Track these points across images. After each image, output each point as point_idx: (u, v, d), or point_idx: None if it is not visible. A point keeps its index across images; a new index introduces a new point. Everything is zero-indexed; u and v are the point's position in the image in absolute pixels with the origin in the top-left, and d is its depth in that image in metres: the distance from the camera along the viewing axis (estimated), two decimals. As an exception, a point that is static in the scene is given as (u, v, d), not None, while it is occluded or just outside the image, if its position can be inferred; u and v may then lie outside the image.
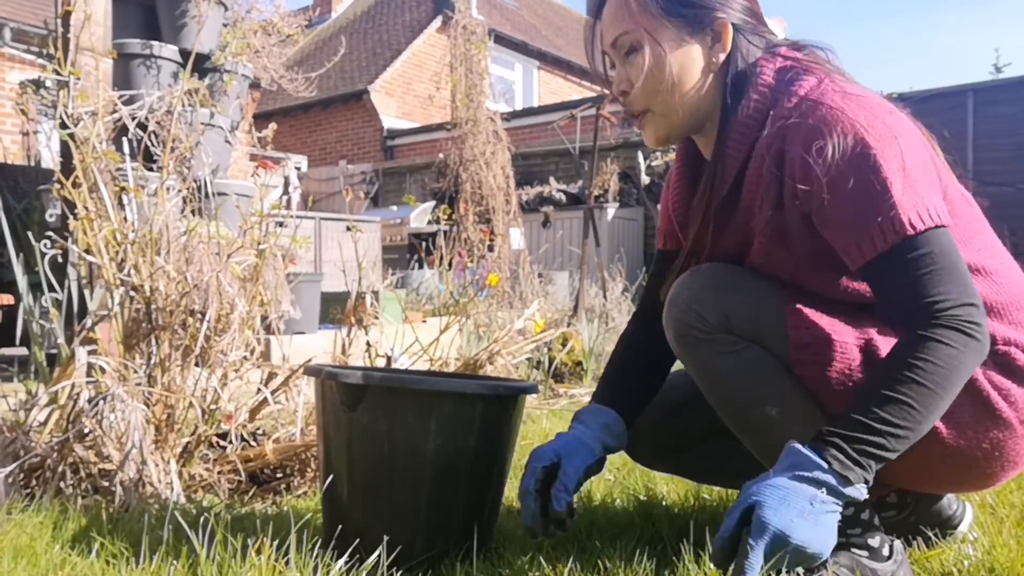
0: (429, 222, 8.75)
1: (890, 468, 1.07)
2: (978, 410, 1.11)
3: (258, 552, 1.23)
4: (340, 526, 1.34)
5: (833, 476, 1.01)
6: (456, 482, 1.32)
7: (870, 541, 1.18)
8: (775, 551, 1.00)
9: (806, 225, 1.15)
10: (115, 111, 2.13)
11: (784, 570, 1.00)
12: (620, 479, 1.91)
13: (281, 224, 2.30)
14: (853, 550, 1.18)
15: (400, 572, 1.27)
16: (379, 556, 1.25)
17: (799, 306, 1.16)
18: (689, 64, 1.23)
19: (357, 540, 1.29)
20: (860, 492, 1.03)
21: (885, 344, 1.12)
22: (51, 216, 3.23)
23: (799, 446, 1.05)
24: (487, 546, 1.37)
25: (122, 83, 3.31)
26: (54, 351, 2.04)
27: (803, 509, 1.00)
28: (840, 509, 1.03)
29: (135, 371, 1.88)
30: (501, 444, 1.36)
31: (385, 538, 1.26)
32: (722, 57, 1.24)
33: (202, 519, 1.31)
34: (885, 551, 1.19)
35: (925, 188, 1.09)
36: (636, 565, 1.28)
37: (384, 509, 1.31)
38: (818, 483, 1.01)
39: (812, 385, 1.17)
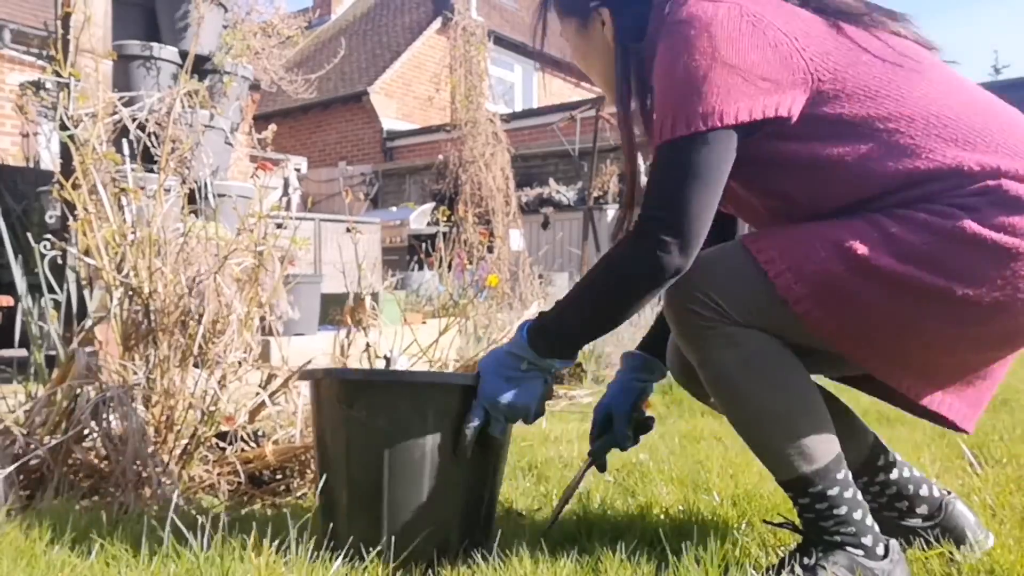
0: (429, 223, 8.76)
1: (927, 341, 1.13)
2: (986, 256, 1.08)
3: (257, 553, 1.23)
4: (338, 526, 1.35)
5: (533, 352, 1.24)
6: (455, 476, 1.33)
7: (864, 540, 1.20)
8: (492, 409, 1.26)
9: None
10: (115, 113, 2.13)
11: (503, 419, 1.27)
12: (620, 480, 1.91)
13: (280, 225, 2.30)
14: (849, 549, 1.19)
15: (400, 572, 1.28)
16: (379, 554, 1.26)
17: (760, 245, 1.19)
18: (592, 52, 1.40)
19: (355, 539, 1.30)
20: (555, 364, 1.26)
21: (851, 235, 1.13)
22: (51, 217, 3.24)
23: (522, 327, 1.26)
24: (488, 542, 1.38)
25: (122, 85, 3.31)
26: (53, 352, 2.04)
27: (510, 376, 1.26)
28: (545, 375, 1.27)
29: (134, 372, 1.88)
30: (497, 438, 1.36)
31: (385, 536, 1.28)
32: (610, 35, 1.35)
33: (201, 521, 1.31)
34: (880, 550, 1.20)
35: (724, 90, 1.11)
36: (635, 566, 1.28)
37: (383, 506, 1.31)
38: (521, 357, 1.25)
39: (824, 324, 1.16)
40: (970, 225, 1.08)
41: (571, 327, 1.25)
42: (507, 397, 1.25)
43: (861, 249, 1.11)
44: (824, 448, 1.22)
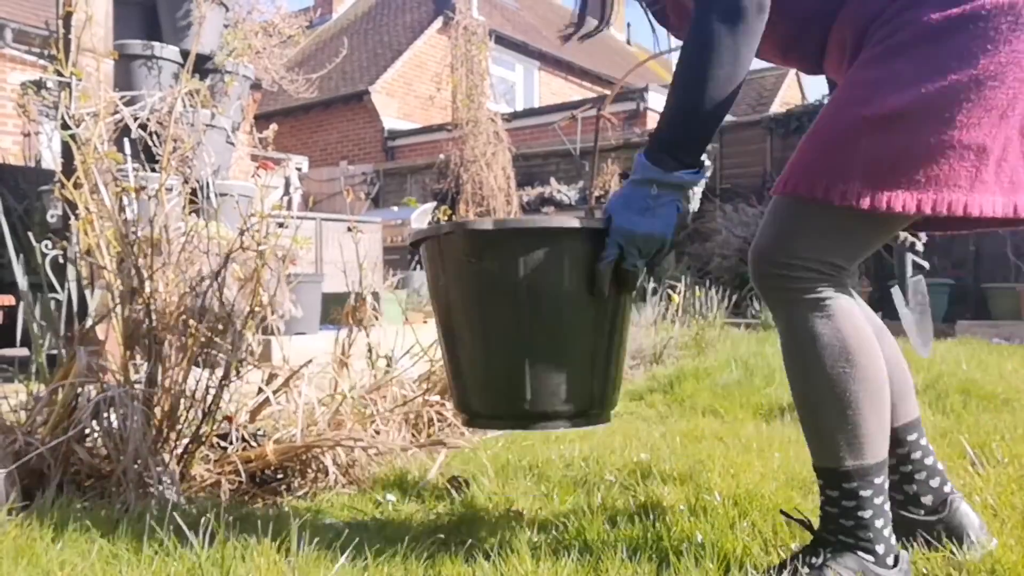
0: (430, 223, 8.76)
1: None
2: (962, 33, 1.11)
3: (259, 553, 1.23)
4: (471, 389, 1.33)
5: (659, 169, 1.18)
6: (590, 326, 1.28)
7: (877, 548, 1.19)
8: (628, 244, 1.20)
9: None
10: (116, 112, 2.13)
11: (636, 252, 1.20)
12: (620, 479, 1.91)
13: (282, 225, 2.30)
14: (860, 553, 1.18)
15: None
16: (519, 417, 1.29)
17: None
18: None
19: (496, 400, 1.30)
20: (685, 178, 1.19)
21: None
22: (52, 217, 3.24)
23: (639, 157, 1.22)
24: (606, 412, 1.35)
25: (123, 84, 3.31)
26: (55, 352, 2.04)
27: (642, 207, 1.19)
28: (678, 197, 1.20)
29: (135, 372, 1.88)
30: (629, 285, 1.29)
31: (528, 391, 1.26)
32: None
33: (203, 520, 1.31)
34: (890, 560, 1.20)
35: None
36: (635, 566, 1.28)
37: (525, 361, 1.26)
38: (648, 181, 1.19)
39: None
40: (930, 17, 1.12)
41: (685, 122, 1.19)
42: (643, 227, 1.19)
43: (868, 111, 1.13)
44: (875, 448, 1.20)
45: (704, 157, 1.23)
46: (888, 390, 1.24)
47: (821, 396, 1.21)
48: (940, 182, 1.12)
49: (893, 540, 1.21)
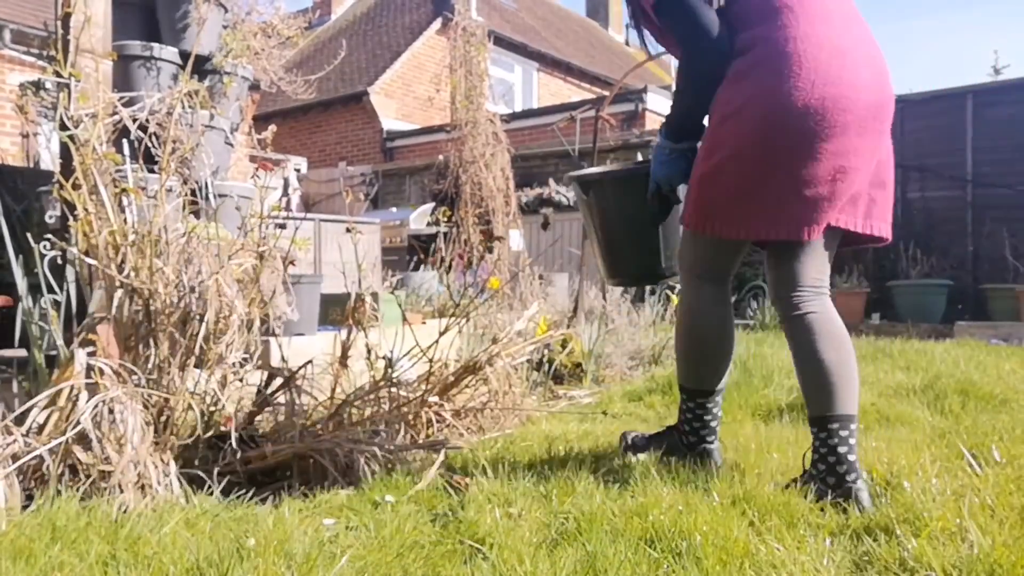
0: (429, 224, 8.75)
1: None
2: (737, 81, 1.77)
3: (257, 553, 1.23)
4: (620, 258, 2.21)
5: (669, 141, 1.92)
6: (654, 228, 2.10)
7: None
8: (656, 180, 1.96)
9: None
10: (115, 113, 2.13)
11: (658, 184, 1.96)
12: (620, 480, 1.91)
13: (281, 226, 2.30)
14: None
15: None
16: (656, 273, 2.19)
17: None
18: None
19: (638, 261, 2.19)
20: (685, 144, 1.90)
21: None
22: (51, 218, 3.23)
23: (661, 129, 1.95)
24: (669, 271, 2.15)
25: (122, 85, 3.31)
26: (53, 352, 2.04)
27: (661, 159, 1.94)
28: (685, 155, 1.90)
29: (134, 373, 1.88)
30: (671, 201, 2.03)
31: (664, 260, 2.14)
32: None
33: (201, 521, 1.31)
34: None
35: None
36: (635, 566, 1.28)
37: (627, 247, 2.19)
38: (663, 147, 1.93)
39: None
40: (717, 111, 1.81)
41: (684, 111, 1.89)
42: (660, 172, 1.94)
43: (697, 171, 1.85)
44: (697, 380, 2.02)
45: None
46: (722, 350, 1.97)
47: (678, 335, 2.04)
48: (741, 218, 1.78)
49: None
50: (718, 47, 1.75)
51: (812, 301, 1.83)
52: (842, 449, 1.71)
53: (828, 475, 1.72)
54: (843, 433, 1.72)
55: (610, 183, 2.18)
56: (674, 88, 1.91)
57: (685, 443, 2.05)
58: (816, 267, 1.84)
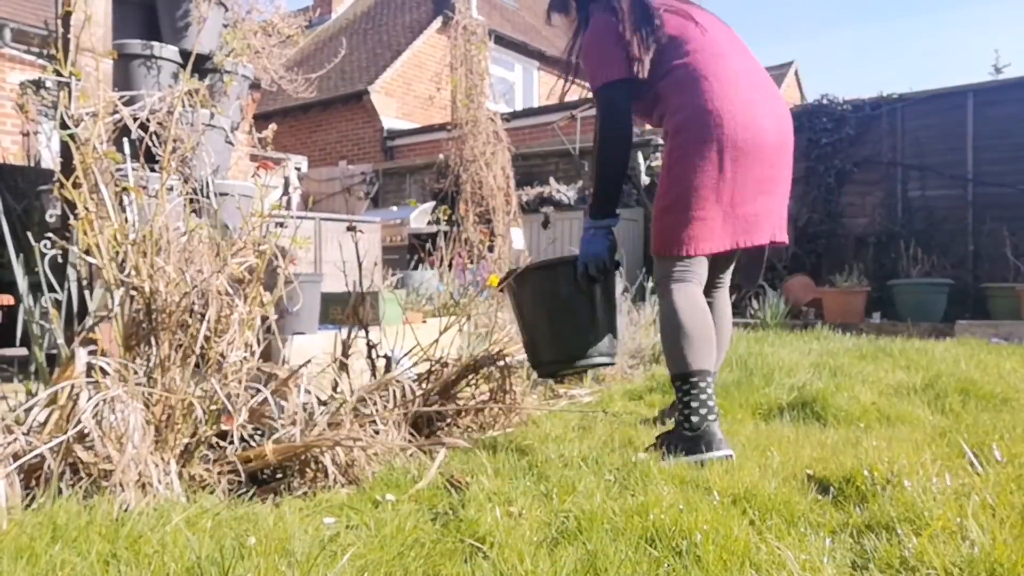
0: (429, 222, 8.75)
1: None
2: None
3: (258, 552, 1.23)
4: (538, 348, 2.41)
5: (590, 219, 2.31)
6: (589, 308, 2.31)
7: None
8: (584, 261, 2.27)
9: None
10: (115, 112, 2.13)
11: (585, 266, 2.26)
12: (620, 479, 1.91)
13: (281, 225, 2.30)
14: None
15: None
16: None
17: None
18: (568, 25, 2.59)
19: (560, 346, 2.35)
20: (605, 222, 2.30)
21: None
22: (51, 216, 3.23)
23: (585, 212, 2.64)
24: (613, 349, 2.38)
25: (122, 84, 3.31)
26: (54, 351, 2.04)
27: (587, 240, 2.30)
28: (602, 232, 2.29)
29: (135, 372, 1.88)
30: (598, 289, 2.30)
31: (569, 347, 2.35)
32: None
33: (202, 519, 1.31)
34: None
35: (605, 62, 2.27)
36: (635, 566, 1.28)
37: (547, 335, 2.37)
38: (587, 227, 2.32)
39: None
40: (663, 157, 2.28)
41: (599, 191, 2.30)
42: (589, 251, 2.27)
43: (657, 206, 2.30)
44: (696, 362, 2.20)
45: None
46: (712, 341, 2.23)
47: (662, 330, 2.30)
48: (693, 239, 2.21)
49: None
50: (625, 135, 2.26)
51: (722, 290, 2.55)
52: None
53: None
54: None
55: (528, 274, 2.38)
56: (592, 175, 2.31)
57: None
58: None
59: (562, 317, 2.31)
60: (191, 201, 2.17)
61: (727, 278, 2.56)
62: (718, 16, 2.40)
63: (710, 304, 2.45)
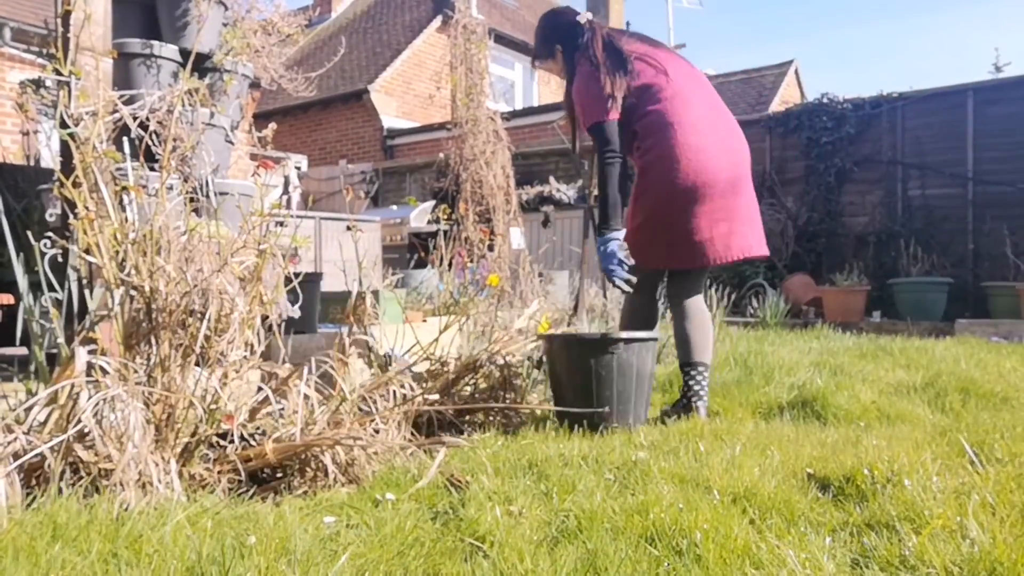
0: (429, 222, 8.75)
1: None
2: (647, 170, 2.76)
3: (258, 551, 1.23)
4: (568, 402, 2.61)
5: (598, 234, 2.76)
6: (614, 376, 2.57)
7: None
8: (603, 268, 2.71)
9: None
10: (115, 111, 2.13)
11: (606, 267, 2.70)
12: (620, 478, 1.91)
13: (281, 224, 2.29)
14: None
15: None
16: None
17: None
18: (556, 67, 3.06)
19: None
20: (612, 235, 2.69)
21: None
22: (51, 216, 3.23)
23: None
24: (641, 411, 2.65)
25: (122, 83, 3.31)
26: (54, 351, 2.04)
27: (600, 252, 2.71)
28: (611, 241, 2.68)
29: (135, 371, 1.88)
30: (629, 363, 2.58)
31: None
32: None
33: (202, 519, 1.31)
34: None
35: (592, 107, 2.73)
36: (635, 565, 1.28)
37: (594, 392, 2.57)
38: (599, 243, 2.73)
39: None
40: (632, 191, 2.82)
41: (608, 203, 2.69)
42: (607, 262, 2.69)
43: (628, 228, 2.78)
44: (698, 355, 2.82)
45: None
46: (711, 334, 2.83)
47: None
48: (662, 256, 2.79)
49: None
50: (622, 157, 2.70)
51: (689, 300, 2.85)
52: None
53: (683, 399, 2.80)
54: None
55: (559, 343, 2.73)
56: (597, 193, 2.76)
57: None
58: (697, 284, 2.89)
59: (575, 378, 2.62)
60: (191, 200, 2.16)
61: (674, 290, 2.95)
62: (688, 61, 2.88)
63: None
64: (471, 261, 6.27)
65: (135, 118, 2.13)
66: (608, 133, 2.68)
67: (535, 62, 3.06)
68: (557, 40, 2.92)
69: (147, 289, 1.92)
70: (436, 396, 2.53)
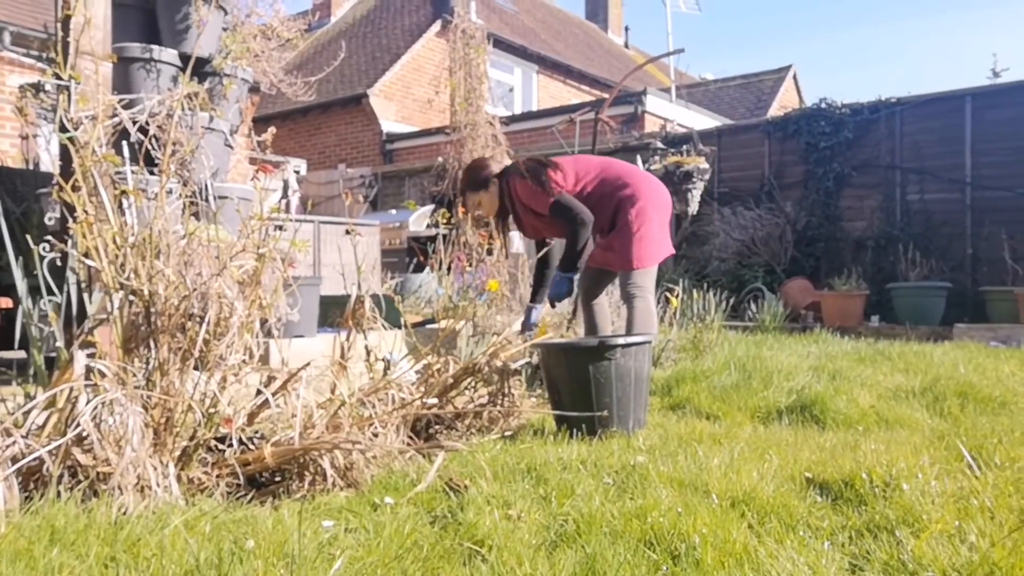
0: (428, 226, 8.75)
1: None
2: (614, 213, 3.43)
3: (256, 555, 1.23)
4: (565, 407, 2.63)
5: (560, 272, 3.41)
6: (611, 382, 2.59)
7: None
8: (551, 298, 3.48)
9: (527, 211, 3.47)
10: (115, 115, 2.13)
11: (554, 301, 3.49)
12: (618, 482, 1.91)
13: (280, 228, 2.30)
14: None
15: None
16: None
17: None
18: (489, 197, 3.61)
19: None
20: (569, 274, 3.36)
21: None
22: (50, 219, 3.23)
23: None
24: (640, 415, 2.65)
25: (122, 87, 3.31)
26: (53, 354, 2.04)
27: (556, 283, 3.41)
28: (567, 279, 3.38)
29: (134, 375, 1.88)
30: (627, 368, 2.60)
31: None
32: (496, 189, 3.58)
33: (201, 523, 1.31)
34: None
35: (541, 195, 3.35)
36: (635, 567, 1.28)
37: (593, 398, 2.58)
38: (560, 278, 3.41)
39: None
40: (609, 229, 3.49)
41: (575, 256, 3.30)
42: (557, 291, 3.36)
43: (611, 244, 3.43)
44: None
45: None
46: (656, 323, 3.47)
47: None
48: (642, 258, 3.40)
49: None
50: (586, 219, 3.26)
51: (639, 297, 3.39)
52: None
53: None
54: None
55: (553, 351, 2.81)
56: (567, 245, 3.33)
57: None
58: (650, 280, 3.46)
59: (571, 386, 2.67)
60: (190, 204, 2.17)
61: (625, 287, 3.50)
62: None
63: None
64: (470, 265, 6.27)
65: (135, 122, 2.13)
66: (564, 199, 3.26)
67: (466, 197, 3.62)
68: (490, 178, 3.54)
69: (146, 293, 1.92)
70: (434, 400, 2.52)
